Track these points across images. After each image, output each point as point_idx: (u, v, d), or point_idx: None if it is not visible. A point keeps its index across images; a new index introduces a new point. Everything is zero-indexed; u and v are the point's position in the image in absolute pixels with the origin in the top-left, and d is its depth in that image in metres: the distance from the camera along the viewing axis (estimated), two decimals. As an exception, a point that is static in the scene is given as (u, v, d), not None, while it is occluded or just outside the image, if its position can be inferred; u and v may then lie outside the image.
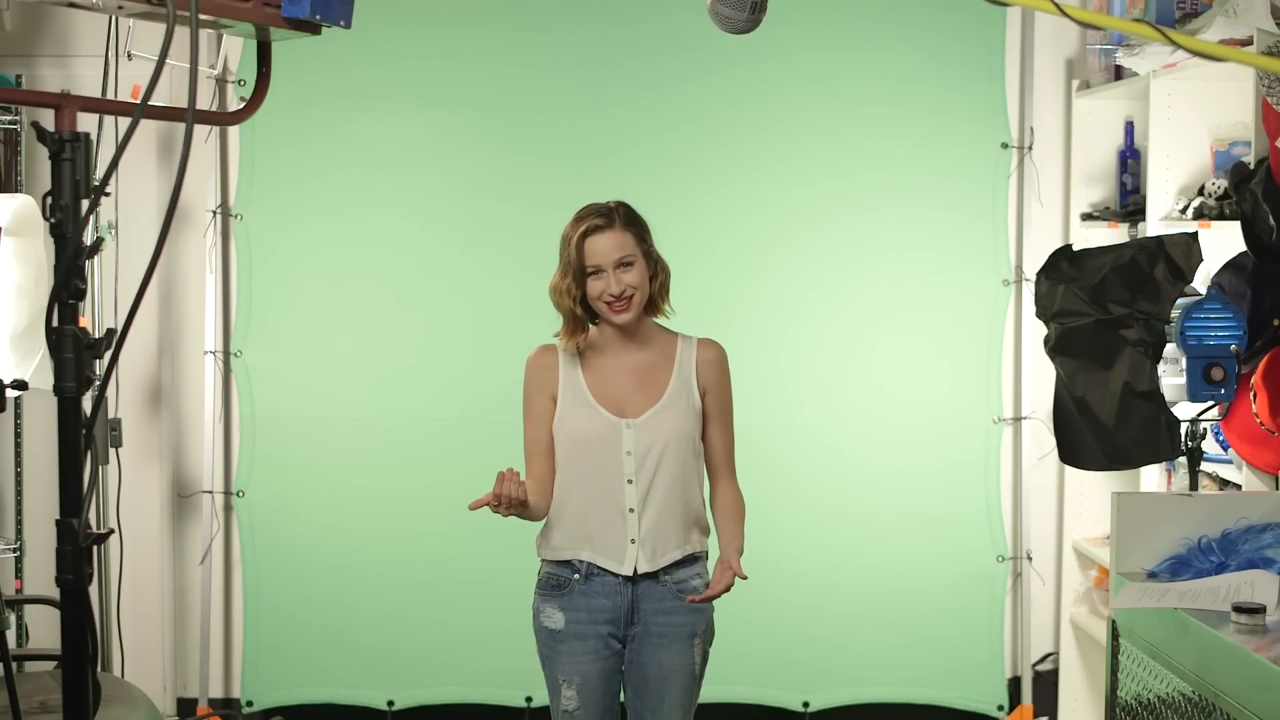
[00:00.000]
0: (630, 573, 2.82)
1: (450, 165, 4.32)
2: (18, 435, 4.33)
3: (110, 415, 4.23)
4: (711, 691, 4.29)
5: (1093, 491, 4.35)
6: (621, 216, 2.88)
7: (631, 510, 2.83)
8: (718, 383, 2.96)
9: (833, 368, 4.33)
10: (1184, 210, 3.75)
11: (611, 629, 2.85)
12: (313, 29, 1.92)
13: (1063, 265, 3.18)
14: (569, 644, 2.85)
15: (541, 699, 4.31)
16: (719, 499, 2.95)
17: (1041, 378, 4.24)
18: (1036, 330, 3.94)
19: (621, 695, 2.94)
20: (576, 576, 2.85)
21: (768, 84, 4.28)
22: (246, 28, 1.92)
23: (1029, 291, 4.22)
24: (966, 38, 4.28)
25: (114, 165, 1.72)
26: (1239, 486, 3.38)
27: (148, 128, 4.39)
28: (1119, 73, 4.10)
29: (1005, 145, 4.31)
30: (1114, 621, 2.84)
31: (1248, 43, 3.23)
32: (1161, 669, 2.59)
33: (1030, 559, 4.42)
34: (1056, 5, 1.80)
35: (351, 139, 4.31)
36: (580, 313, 2.87)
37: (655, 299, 2.93)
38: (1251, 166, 3.15)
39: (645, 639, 2.85)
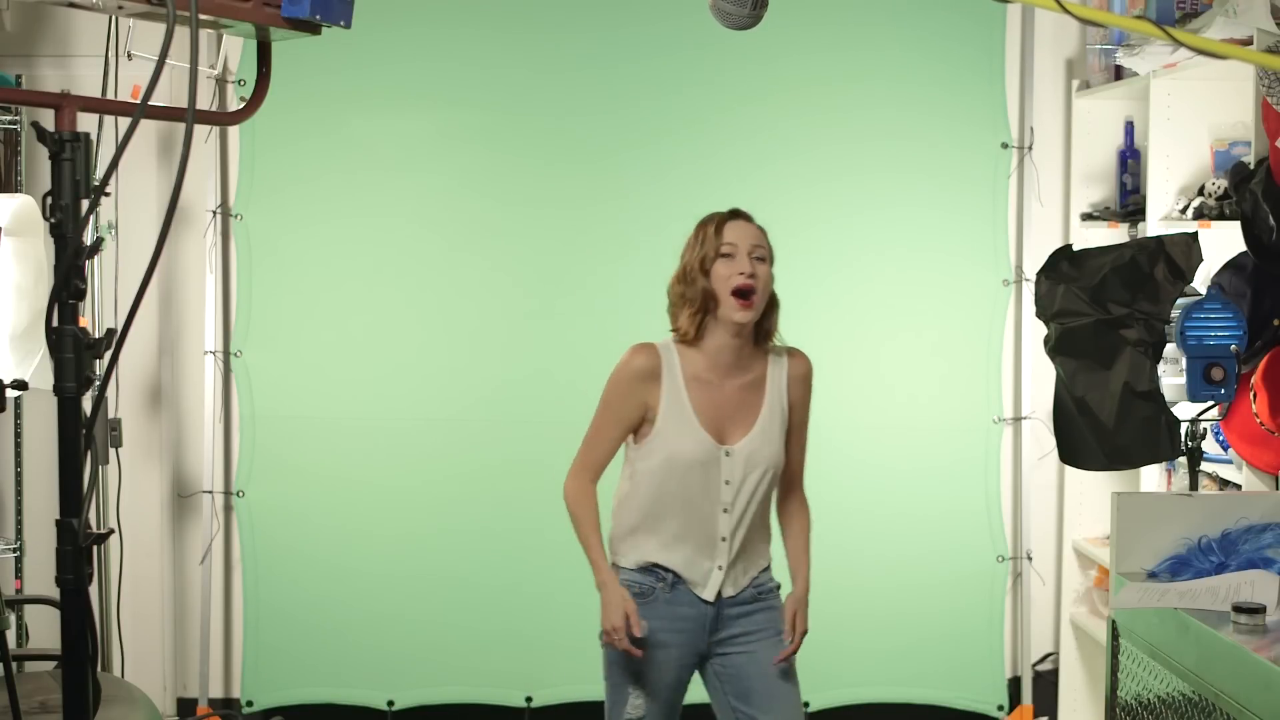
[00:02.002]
0: (712, 598, 2.80)
1: (450, 165, 4.32)
2: (18, 435, 4.33)
3: (110, 415, 4.23)
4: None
5: (1093, 491, 4.35)
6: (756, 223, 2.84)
7: (724, 539, 2.80)
8: (803, 397, 2.90)
9: (833, 368, 4.30)
10: (1184, 210, 3.75)
11: (694, 638, 2.82)
12: (313, 29, 1.92)
13: (1063, 265, 3.18)
14: (650, 651, 2.79)
15: (542, 699, 4.33)
16: (790, 513, 2.96)
17: (1041, 378, 4.23)
18: (1036, 330, 3.94)
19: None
20: (661, 585, 2.80)
21: (768, 85, 4.28)
22: (246, 28, 1.92)
23: (1029, 291, 4.22)
24: (966, 38, 4.28)
25: (114, 165, 1.72)
26: (1239, 486, 3.38)
27: (148, 128, 4.39)
28: (1119, 73, 4.10)
29: (1005, 145, 4.31)
30: (1114, 621, 2.84)
31: (1248, 42, 3.23)
32: (1161, 669, 2.59)
33: (1030, 559, 4.42)
34: (1058, 2, 1.80)
35: (351, 139, 4.31)
36: (698, 308, 2.77)
37: (767, 325, 2.84)
38: (1251, 166, 3.15)
39: (737, 642, 2.83)
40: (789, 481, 2.93)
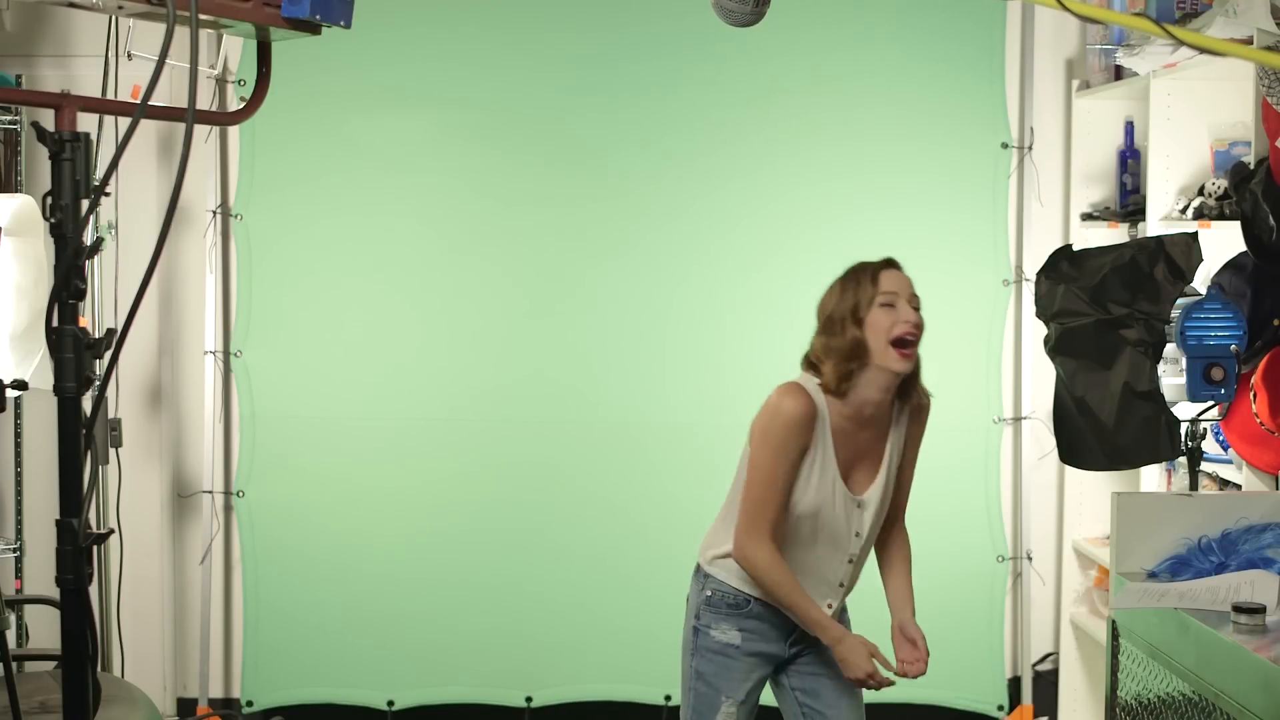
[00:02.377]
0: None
1: (450, 165, 4.32)
2: (18, 435, 4.33)
3: (110, 415, 4.23)
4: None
5: (1093, 491, 4.35)
6: None
7: (841, 585, 2.81)
8: (918, 434, 2.86)
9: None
10: (1184, 210, 3.75)
11: (777, 645, 2.83)
12: (313, 29, 1.92)
13: (1063, 265, 3.19)
14: (741, 660, 2.79)
15: (542, 699, 4.33)
16: (894, 544, 2.92)
17: (1041, 378, 4.23)
18: (1036, 330, 3.94)
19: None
20: (751, 603, 2.80)
21: (768, 85, 4.28)
22: (246, 28, 1.92)
23: (1029, 291, 4.22)
24: (967, 38, 4.28)
25: (114, 165, 1.72)
26: (1239, 486, 3.38)
27: (148, 128, 4.39)
28: (1119, 73, 4.10)
29: (1005, 145, 4.31)
30: (1114, 621, 2.84)
31: (1248, 42, 3.22)
32: (1161, 669, 2.59)
33: (1030, 559, 4.42)
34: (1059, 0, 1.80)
35: (351, 139, 4.32)
36: (848, 359, 2.67)
37: (912, 381, 2.77)
38: (1251, 166, 3.15)
39: (807, 657, 2.85)
40: (893, 514, 2.89)
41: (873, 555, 2.91)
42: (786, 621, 2.80)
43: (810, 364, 2.76)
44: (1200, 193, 3.77)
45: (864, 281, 2.70)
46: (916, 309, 2.71)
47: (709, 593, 2.82)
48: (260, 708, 4.38)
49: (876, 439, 2.78)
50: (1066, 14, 4.58)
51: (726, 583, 2.80)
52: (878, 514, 2.79)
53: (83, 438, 1.75)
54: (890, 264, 2.74)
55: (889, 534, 2.91)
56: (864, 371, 2.68)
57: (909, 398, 2.78)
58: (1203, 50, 1.87)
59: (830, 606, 2.80)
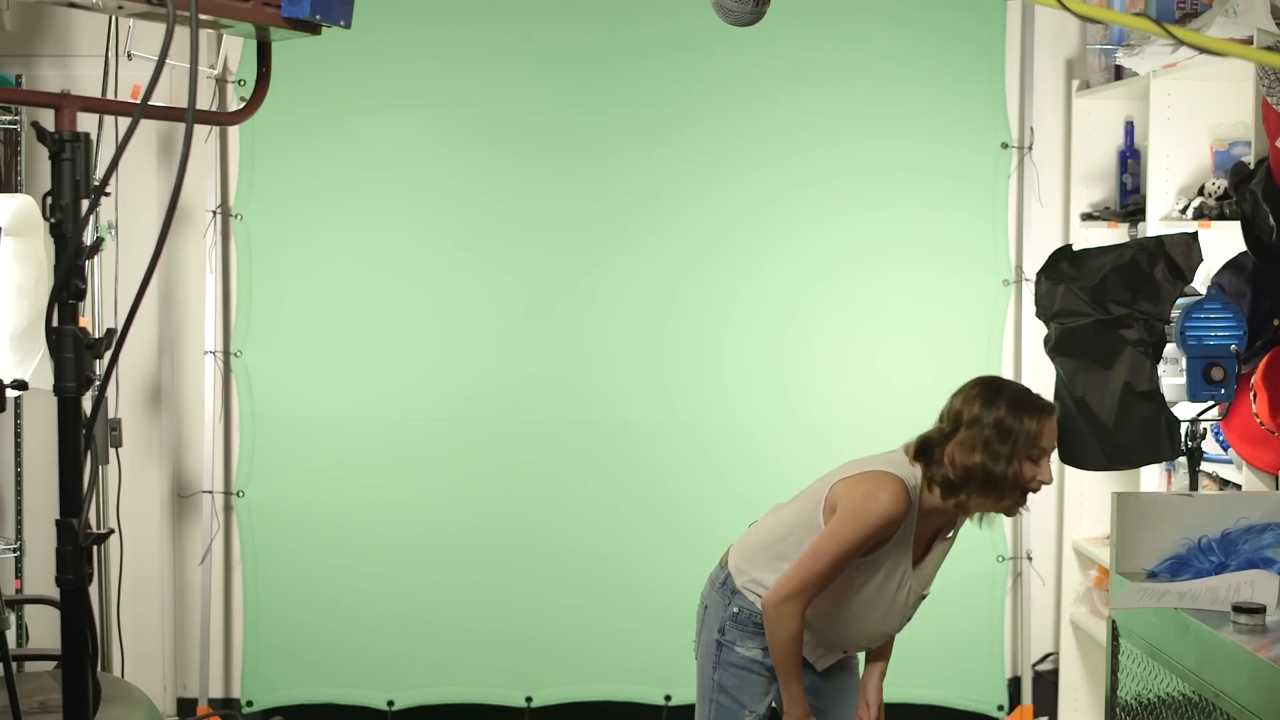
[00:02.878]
0: (821, 669, 2.86)
1: (450, 165, 4.32)
2: (18, 435, 4.33)
3: (110, 415, 4.23)
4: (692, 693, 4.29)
5: (1093, 491, 4.35)
6: None
7: (870, 647, 2.91)
8: None
9: (833, 367, 4.33)
10: (1184, 210, 3.75)
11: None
12: (313, 29, 1.92)
13: (1063, 265, 3.18)
14: (766, 675, 2.78)
15: (542, 699, 4.33)
16: None
17: (1041, 378, 4.23)
18: (1036, 330, 3.94)
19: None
20: None
21: (768, 84, 4.28)
22: (246, 28, 1.92)
23: (1029, 291, 4.22)
24: (967, 38, 4.28)
25: (114, 165, 1.72)
26: (1239, 486, 3.38)
27: (148, 128, 4.39)
28: (1119, 73, 4.10)
29: (1005, 145, 4.31)
30: (1114, 621, 2.84)
31: (1248, 43, 3.22)
32: (1161, 669, 2.59)
33: (1030, 559, 4.42)
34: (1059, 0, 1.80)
35: (351, 139, 4.32)
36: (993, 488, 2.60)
37: None
38: (1251, 166, 3.15)
39: (828, 678, 2.88)
40: None
41: None
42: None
43: (922, 454, 2.67)
44: (1200, 193, 3.77)
45: (1031, 424, 2.61)
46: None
47: (736, 609, 2.79)
48: (260, 708, 4.38)
49: (941, 528, 2.81)
50: (1067, 14, 4.58)
51: (756, 605, 2.76)
52: (925, 590, 2.82)
53: (83, 438, 1.75)
54: (1052, 414, 2.69)
55: None
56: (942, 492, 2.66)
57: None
58: (1203, 50, 1.87)
59: (845, 652, 2.87)
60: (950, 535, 2.82)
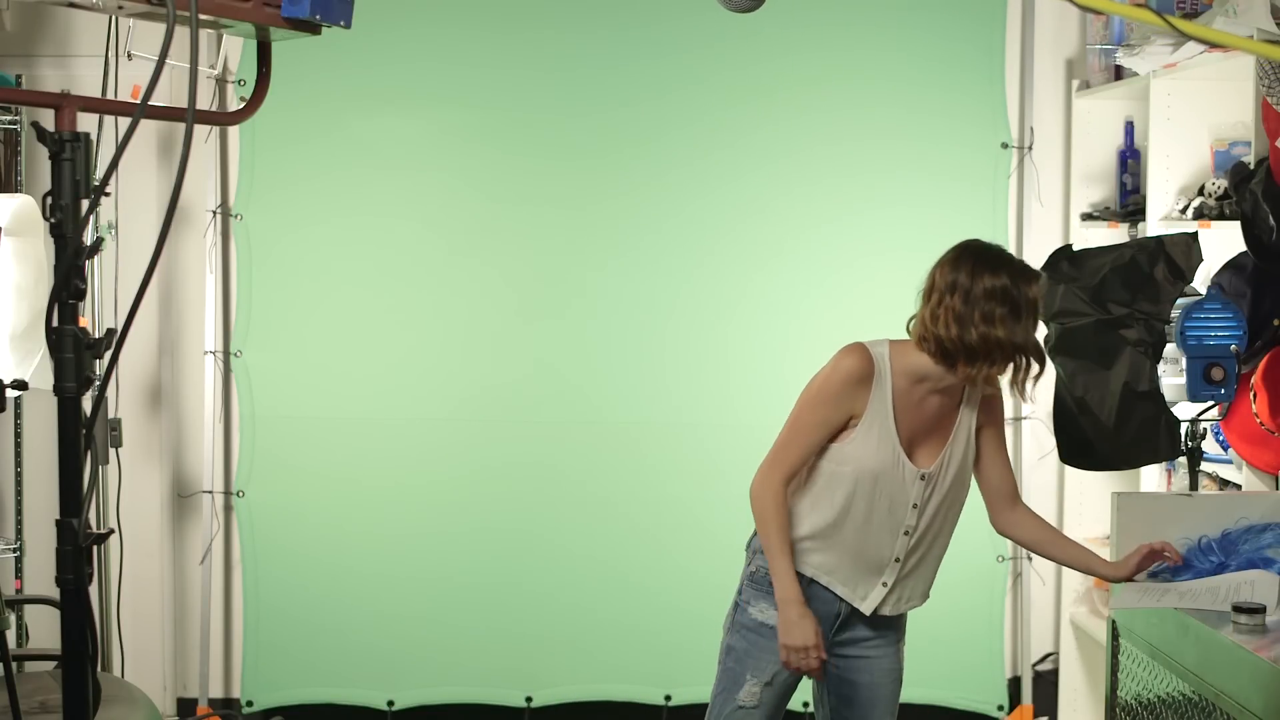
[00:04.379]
0: (869, 612, 2.72)
1: (450, 165, 4.32)
2: (18, 435, 4.33)
3: (110, 415, 4.23)
4: (697, 691, 4.28)
5: (1093, 491, 4.35)
6: None
7: (897, 560, 2.71)
8: (996, 416, 2.78)
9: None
10: (1184, 210, 3.75)
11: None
12: (313, 29, 1.92)
13: (1063, 265, 3.19)
14: (774, 641, 2.71)
15: (542, 699, 4.33)
16: (1027, 525, 2.83)
17: (1042, 378, 4.23)
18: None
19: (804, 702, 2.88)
20: (801, 579, 2.70)
21: (768, 84, 4.28)
22: (246, 28, 1.92)
23: (1029, 291, 4.22)
24: (967, 38, 4.28)
25: (114, 165, 1.72)
26: (1239, 486, 3.38)
27: (148, 128, 4.39)
28: (1119, 73, 4.10)
29: (1005, 145, 4.31)
30: (1114, 621, 2.84)
31: (1248, 43, 3.23)
32: (1161, 669, 2.59)
33: (1030, 559, 4.42)
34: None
35: (351, 139, 4.31)
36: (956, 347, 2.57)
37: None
38: (1251, 166, 3.16)
39: (855, 645, 2.77)
40: (1007, 500, 2.82)
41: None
42: (832, 610, 2.73)
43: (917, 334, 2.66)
44: (1200, 193, 3.77)
45: (1029, 292, 2.58)
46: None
47: (754, 568, 2.77)
48: (260, 708, 4.38)
49: (945, 414, 2.70)
50: (1066, 13, 4.58)
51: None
52: (938, 490, 2.68)
53: (83, 438, 1.75)
54: (1038, 276, 2.64)
55: (1014, 518, 2.83)
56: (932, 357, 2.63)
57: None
58: (1204, 41, 1.87)
59: (886, 585, 2.71)
60: (955, 425, 2.70)
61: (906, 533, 2.69)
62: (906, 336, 2.71)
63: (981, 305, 2.55)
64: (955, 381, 2.64)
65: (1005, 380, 2.66)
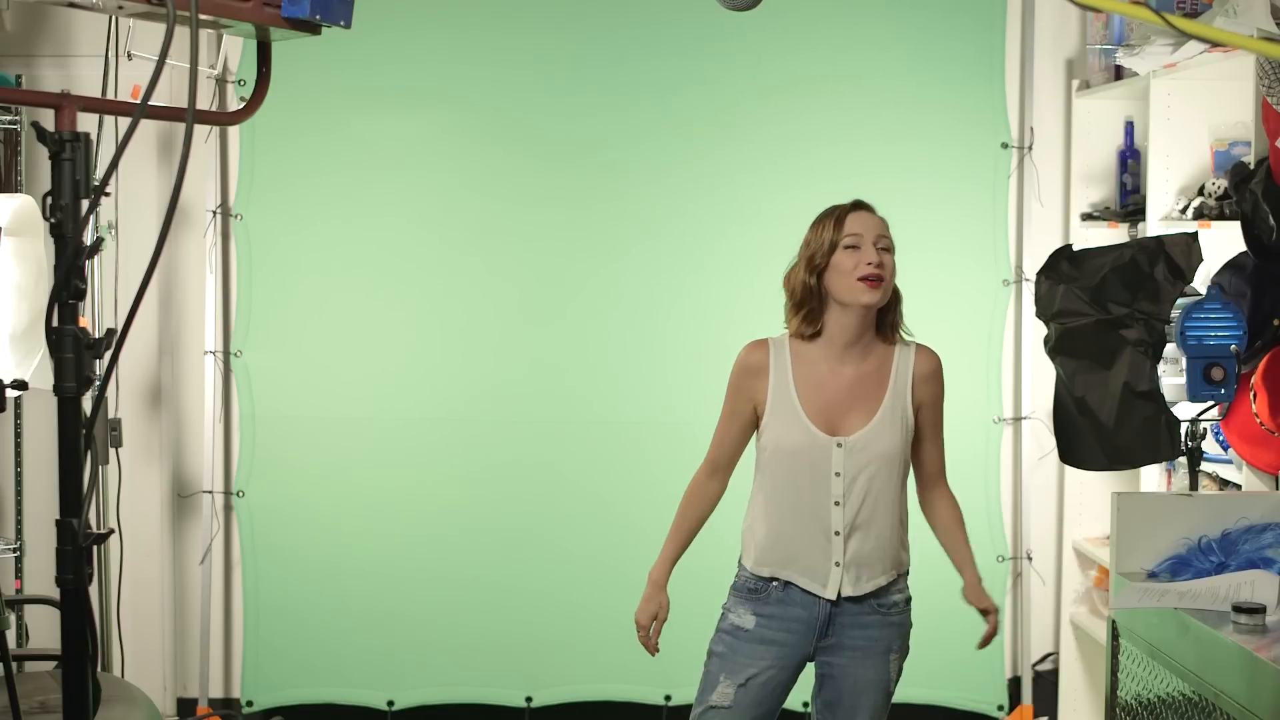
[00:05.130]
0: (834, 597, 2.73)
1: (450, 165, 4.32)
2: (18, 435, 4.33)
3: (110, 415, 4.23)
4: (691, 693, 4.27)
5: (1093, 491, 4.35)
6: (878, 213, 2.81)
7: (837, 534, 2.71)
8: (934, 395, 2.81)
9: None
10: (1184, 210, 3.75)
11: (802, 639, 2.77)
12: (313, 29, 1.92)
13: (1063, 265, 3.19)
14: (750, 645, 2.76)
15: (542, 699, 4.34)
16: (937, 507, 2.89)
17: (1041, 378, 4.24)
18: (1036, 330, 3.94)
19: (791, 704, 2.90)
20: (775, 584, 2.76)
21: (768, 85, 4.28)
22: (246, 28, 1.92)
23: (1029, 291, 4.22)
24: (966, 38, 4.28)
25: (114, 165, 1.72)
26: (1239, 486, 3.38)
27: (148, 128, 4.39)
28: (1119, 73, 4.11)
29: (1005, 145, 4.31)
30: (1114, 621, 2.84)
31: (1248, 43, 3.23)
32: (1161, 669, 2.59)
33: (1030, 559, 4.42)
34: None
35: (351, 139, 4.32)
36: (814, 303, 2.74)
37: (892, 318, 2.79)
38: (1251, 166, 3.16)
39: (840, 652, 2.77)
40: (931, 479, 2.88)
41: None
42: (813, 615, 2.75)
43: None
44: (1200, 193, 3.77)
45: (828, 226, 2.76)
46: (887, 249, 2.76)
47: (737, 579, 2.85)
48: (260, 708, 4.38)
49: (868, 386, 2.75)
50: (1066, 13, 4.58)
51: (745, 565, 2.82)
52: (864, 457, 2.70)
53: (83, 438, 1.75)
54: (859, 206, 2.79)
55: (930, 499, 2.89)
56: (835, 310, 2.74)
57: (890, 336, 2.78)
58: (1203, 39, 1.87)
59: (838, 565, 2.72)
60: (885, 396, 2.75)
61: (837, 503, 2.72)
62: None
63: (819, 245, 2.76)
64: (858, 346, 2.75)
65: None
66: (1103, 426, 3.11)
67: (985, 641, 2.84)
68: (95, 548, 1.76)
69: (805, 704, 4.31)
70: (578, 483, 4.32)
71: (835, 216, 2.76)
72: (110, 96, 4.08)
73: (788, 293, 2.81)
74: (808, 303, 2.75)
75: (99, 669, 1.97)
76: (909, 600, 2.86)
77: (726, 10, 2.27)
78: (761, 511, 2.80)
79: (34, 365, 3.49)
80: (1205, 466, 3.43)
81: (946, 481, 2.91)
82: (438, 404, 4.33)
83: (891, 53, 4.28)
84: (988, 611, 2.82)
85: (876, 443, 2.72)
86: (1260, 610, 2.38)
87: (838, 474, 2.71)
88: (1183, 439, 3.11)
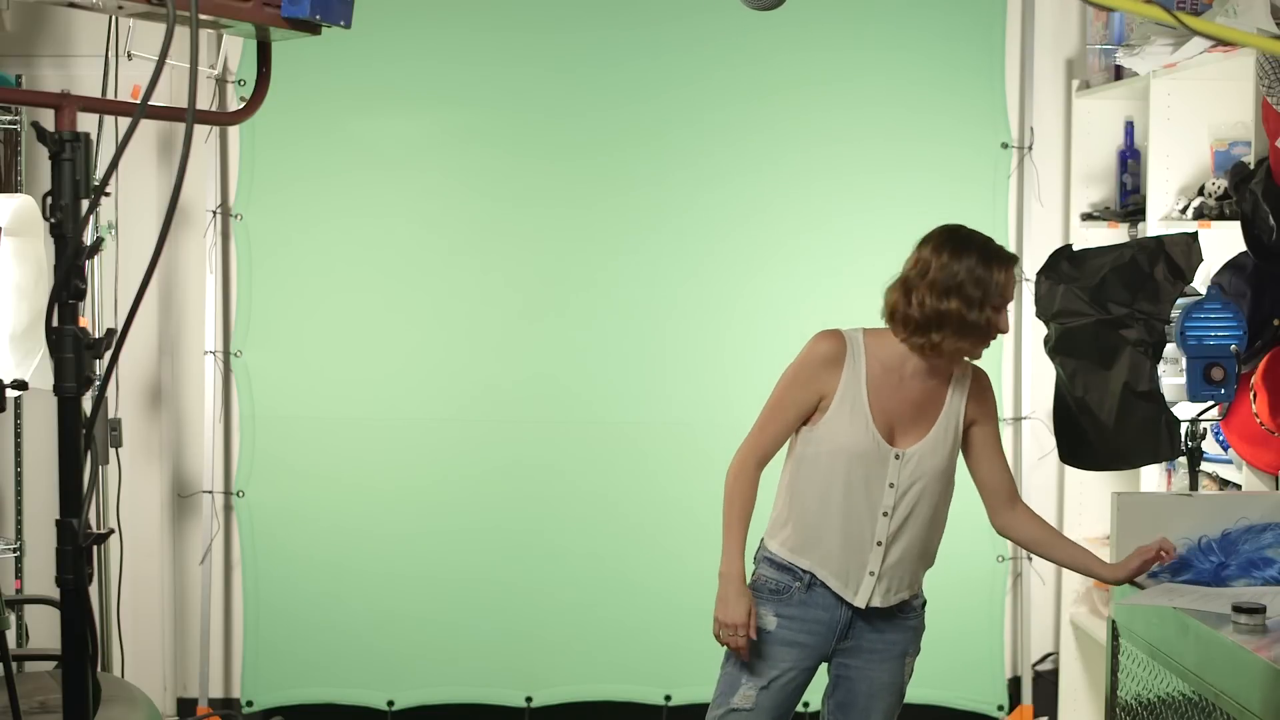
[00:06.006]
0: (862, 605, 2.72)
1: (450, 165, 4.32)
2: (18, 435, 4.33)
3: (110, 415, 4.23)
4: (697, 691, 4.27)
5: (1093, 491, 4.35)
6: None
7: (879, 544, 2.70)
8: (986, 412, 2.80)
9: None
10: (1184, 210, 3.75)
11: (822, 641, 2.76)
12: (313, 29, 1.92)
13: (1063, 265, 3.19)
14: (773, 647, 2.74)
15: (542, 699, 4.33)
16: (1026, 523, 2.84)
17: (1041, 378, 4.23)
18: (1036, 330, 3.94)
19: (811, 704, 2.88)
20: (798, 584, 2.73)
21: (768, 84, 4.28)
22: (246, 28, 1.92)
23: (1029, 291, 4.22)
24: (967, 38, 4.28)
25: (114, 165, 1.72)
26: (1239, 486, 3.38)
27: (148, 128, 4.39)
28: (1119, 73, 4.11)
29: (1005, 145, 4.31)
30: (1114, 621, 2.84)
31: (1248, 43, 3.22)
32: (1161, 669, 2.59)
33: (1030, 559, 4.42)
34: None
35: (351, 139, 4.31)
36: (933, 327, 2.65)
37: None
38: (1251, 166, 3.16)
39: (857, 655, 2.77)
40: (1008, 498, 2.84)
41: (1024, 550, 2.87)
42: (834, 617, 2.75)
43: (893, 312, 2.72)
44: (1200, 193, 3.77)
45: (997, 280, 2.64)
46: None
47: (756, 576, 2.80)
48: (260, 708, 4.38)
49: (928, 400, 2.72)
50: (1066, 13, 4.57)
51: (772, 560, 2.77)
52: (916, 471, 2.68)
53: (83, 438, 1.75)
54: (1013, 265, 2.70)
55: (1013, 516, 2.84)
56: (932, 333, 2.66)
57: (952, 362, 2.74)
58: (1212, 38, 1.87)
59: (873, 574, 2.71)
60: (943, 411, 2.73)
61: (885, 514, 2.70)
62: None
63: (941, 281, 2.63)
64: (929, 363, 2.69)
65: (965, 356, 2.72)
66: (1103, 426, 3.11)
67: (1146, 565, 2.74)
68: (95, 548, 1.76)
69: (806, 704, 4.32)
70: (578, 483, 4.32)
71: (1005, 272, 2.65)
72: (110, 96, 4.08)
73: (904, 310, 2.68)
74: (932, 325, 2.65)
75: (99, 669, 1.97)
76: (924, 603, 2.87)
77: (750, 10, 2.27)
78: (800, 508, 2.74)
79: (34, 365, 3.49)
80: (1205, 466, 3.43)
81: (1021, 499, 2.88)
82: (438, 404, 4.33)
83: (891, 52, 4.28)
84: (1143, 568, 2.73)
85: (930, 457, 2.71)
86: (1260, 610, 2.38)
87: (891, 485, 2.69)
88: (1183, 439, 3.11)
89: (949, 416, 2.74)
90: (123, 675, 4.30)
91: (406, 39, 4.27)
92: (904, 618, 2.81)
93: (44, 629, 4.31)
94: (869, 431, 2.68)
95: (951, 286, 2.62)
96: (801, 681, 2.79)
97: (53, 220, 1.74)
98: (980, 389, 2.80)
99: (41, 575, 4.30)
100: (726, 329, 4.32)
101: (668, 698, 4.30)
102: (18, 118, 4.19)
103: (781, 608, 2.75)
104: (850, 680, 2.81)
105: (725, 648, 2.79)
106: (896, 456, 2.69)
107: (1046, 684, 4.50)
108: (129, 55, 3.97)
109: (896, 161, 4.28)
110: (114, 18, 3.91)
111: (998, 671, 4.35)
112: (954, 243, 2.69)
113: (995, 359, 4.32)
